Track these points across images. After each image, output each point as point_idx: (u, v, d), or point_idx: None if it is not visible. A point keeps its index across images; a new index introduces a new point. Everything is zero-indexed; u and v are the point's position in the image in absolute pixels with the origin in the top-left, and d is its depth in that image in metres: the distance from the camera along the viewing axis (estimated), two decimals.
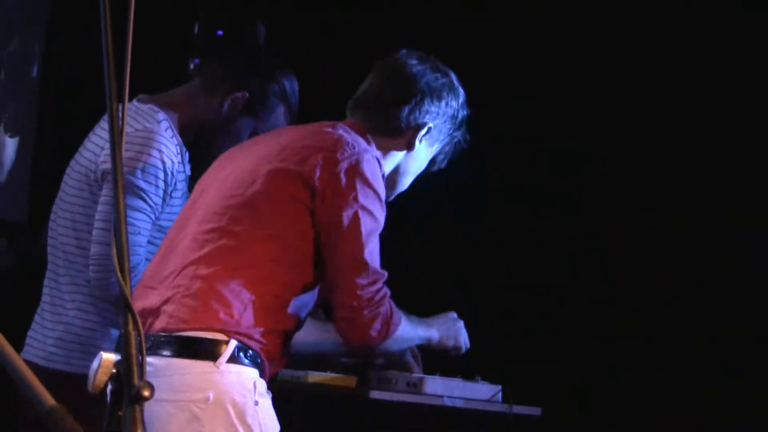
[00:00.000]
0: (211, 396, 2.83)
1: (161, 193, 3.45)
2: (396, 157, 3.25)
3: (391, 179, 3.24)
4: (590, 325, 4.72)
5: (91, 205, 3.51)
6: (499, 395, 3.52)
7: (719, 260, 4.64)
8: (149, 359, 2.82)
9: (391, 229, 3.12)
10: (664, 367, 4.61)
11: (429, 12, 5.11)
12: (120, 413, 1.75)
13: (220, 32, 4.78)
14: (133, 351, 1.78)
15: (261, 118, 3.66)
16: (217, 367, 2.84)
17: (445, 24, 5.06)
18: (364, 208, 2.99)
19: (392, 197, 3.27)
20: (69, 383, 3.39)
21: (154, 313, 2.93)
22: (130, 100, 3.58)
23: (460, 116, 3.29)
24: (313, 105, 3.76)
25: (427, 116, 3.23)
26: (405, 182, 3.32)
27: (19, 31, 5.91)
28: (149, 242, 3.45)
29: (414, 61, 3.27)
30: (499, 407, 3.52)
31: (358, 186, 2.99)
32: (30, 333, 3.63)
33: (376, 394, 3.44)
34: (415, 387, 3.42)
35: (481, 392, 3.54)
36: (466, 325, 3.44)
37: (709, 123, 4.71)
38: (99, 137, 3.57)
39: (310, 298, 3.04)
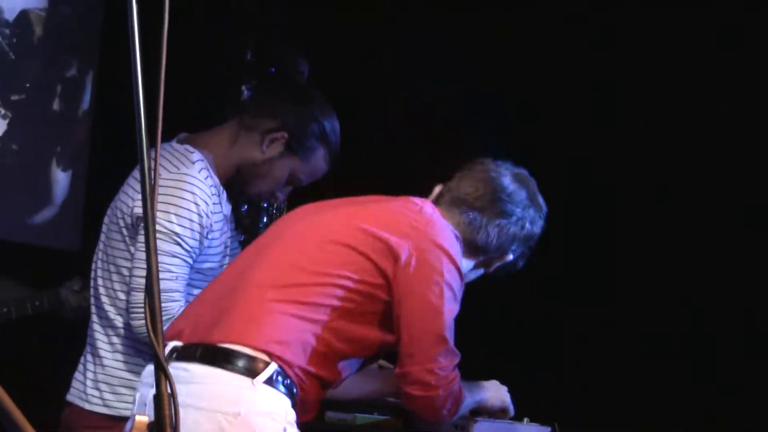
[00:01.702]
0: (242, 411, 2.80)
1: (197, 236, 3.41)
2: (468, 266, 3.23)
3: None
4: (644, 366, 4.67)
5: (126, 249, 3.49)
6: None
7: None
8: (187, 364, 2.82)
9: None
10: (718, 407, 4.55)
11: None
12: None
13: (271, 69, 4.76)
14: (166, 413, 1.77)
15: (301, 159, 3.61)
16: (253, 385, 2.82)
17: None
18: (448, 285, 2.99)
19: None
20: (106, 425, 3.43)
21: (203, 323, 2.91)
22: (171, 138, 3.56)
23: (535, 236, 3.31)
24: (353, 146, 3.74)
25: (511, 251, 3.26)
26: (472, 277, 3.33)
27: (72, 61, 5.93)
28: (189, 284, 3.42)
29: (507, 180, 3.26)
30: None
31: (445, 262, 2.99)
32: (75, 376, 3.64)
33: None
34: (463, 429, 3.37)
35: None
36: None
37: None
38: (135, 179, 3.55)
39: (356, 363, 3.03)
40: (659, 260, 4.81)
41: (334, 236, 3.01)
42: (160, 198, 3.32)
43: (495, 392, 3.40)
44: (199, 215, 3.41)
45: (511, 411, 3.43)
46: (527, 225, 3.25)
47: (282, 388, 2.85)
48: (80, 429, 3.51)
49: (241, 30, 5.20)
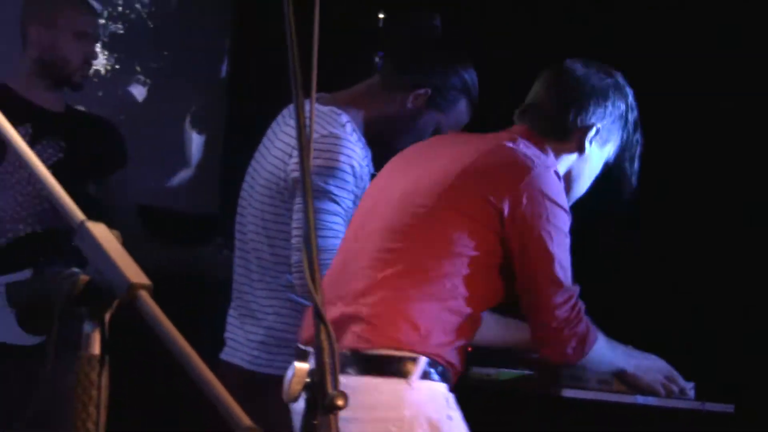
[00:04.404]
0: (407, 413, 2.78)
1: (352, 197, 3.38)
2: (567, 161, 3.15)
3: (566, 184, 3.14)
4: None
5: (283, 212, 3.45)
6: (692, 392, 3.40)
7: None
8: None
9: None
10: None
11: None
12: (315, 422, 1.71)
13: (398, 19, 4.74)
14: (327, 360, 1.74)
15: (444, 113, 3.58)
16: (410, 385, 2.79)
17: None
18: (555, 226, 2.93)
19: (570, 203, 3.15)
20: (274, 385, 3.42)
21: (337, 329, 2.88)
22: (307, 98, 3.53)
23: (630, 117, 3.20)
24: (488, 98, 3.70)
25: (594, 117, 3.14)
26: (581, 187, 3.23)
27: (207, 28, 5.99)
28: None
29: (578, 66, 3.19)
30: (691, 404, 3.37)
31: (547, 205, 2.93)
32: (229, 335, 3.61)
33: (568, 392, 3.36)
34: (607, 384, 3.33)
35: None
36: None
37: None
38: (284, 142, 3.51)
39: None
40: None
41: (434, 206, 2.94)
42: (315, 160, 3.28)
43: (647, 367, 3.29)
44: (354, 176, 3.38)
45: (676, 389, 3.32)
46: (595, 82, 3.15)
47: (437, 376, 2.83)
48: (242, 388, 3.50)
49: None
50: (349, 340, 2.83)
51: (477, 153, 3.02)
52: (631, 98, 3.21)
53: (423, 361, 2.80)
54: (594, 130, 3.14)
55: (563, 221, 2.97)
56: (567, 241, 2.97)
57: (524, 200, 2.91)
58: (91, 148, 4.14)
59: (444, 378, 2.84)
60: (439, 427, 2.79)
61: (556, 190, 2.97)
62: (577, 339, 2.96)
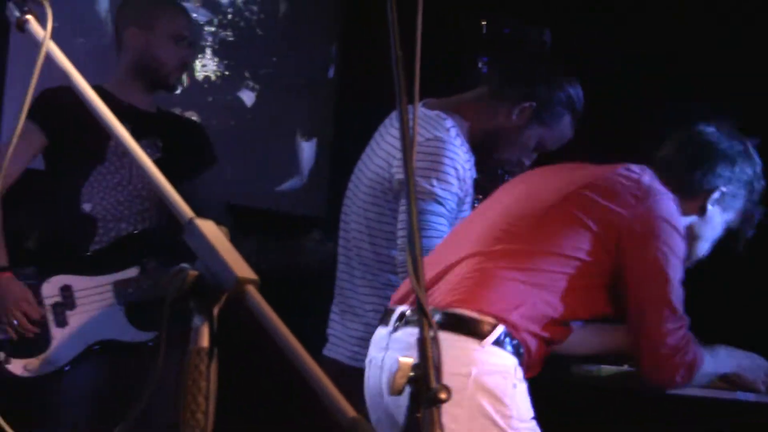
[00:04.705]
0: (473, 371, 2.84)
1: (456, 199, 3.44)
2: (689, 220, 3.18)
3: (687, 243, 3.14)
4: None
5: (386, 213, 3.53)
6: None
7: None
8: (415, 330, 2.85)
9: None
10: None
11: None
12: (418, 415, 1.75)
13: (506, 30, 4.74)
14: (430, 355, 1.79)
15: (548, 127, 3.61)
16: (482, 346, 2.85)
17: None
18: (671, 249, 2.97)
19: (690, 265, 3.20)
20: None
21: (428, 288, 2.94)
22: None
23: (756, 186, 3.24)
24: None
25: (720, 180, 3.19)
26: (701, 248, 3.27)
27: (314, 34, 6.06)
28: None
29: (710, 129, 3.24)
30: None
31: (666, 228, 2.98)
32: (330, 331, 3.70)
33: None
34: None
35: None
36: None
37: None
38: (389, 144, 3.58)
39: (580, 323, 3.05)
40: None
41: (555, 204, 3.01)
42: (419, 163, 3.37)
43: (750, 366, 3.33)
44: (458, 179, 3.45)
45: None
46: (725, 147, 3.20)
47: (509, 347, 2.88)
48: (341, 382, 3.54)
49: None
50: (439, 298, 2.92)
51: (607, 170, 3.08)
52: (759, 167, 3.25)
53: (500, 329, 2.86)
54: (718, 192, 3.19)
55: (679, 247, 3.01)
56: (681, 267, 3.01)
57: (644, 220, 2.96)
58: (183, 148, 4.20)
59: (516, 352, 2.88)
60: (503, 391, 2.84)
61: (676, 216, 3.02)
62: (686, 367, 3.00)
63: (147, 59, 4.12)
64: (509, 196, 3.14)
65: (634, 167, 3.09)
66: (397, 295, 3.09)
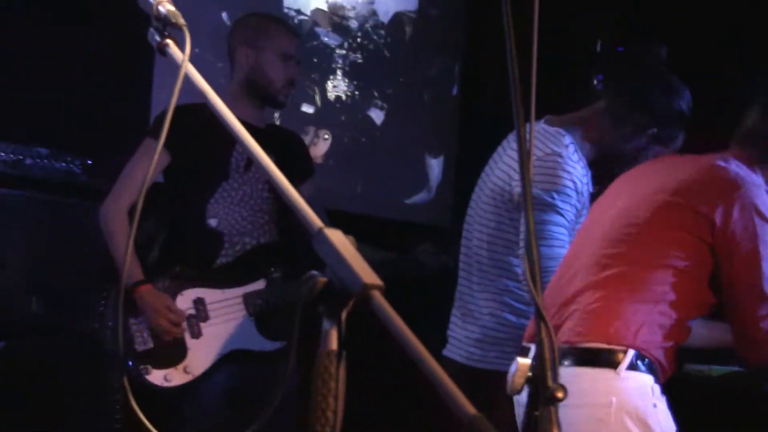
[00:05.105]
0: (614, 400, 2.90)
1: (574, 210, 3.54)
2: None
3: None
4: None
5: (505, 222, 3.66)
6: None
7: None
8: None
9: None
10: None
11: None
12: (536, 413, 1.80)
13: (620, 48, 4.76)
14: (548, 356, 1.82)
15: (666, 146, 3.65)
16: (618, 374, 2.91)
17: None
18: (764, 241, 2.99)
19: None
20: (487, 379, 3.58)
21: (555, 328, 3.01)
22: (538, 120, 3.65)
23: None
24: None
25: None
26: None
27: (439, 55, 6.14)
28: None
29: None
30: None
31: (756, 221, 3.00)
32: (450, 333, 3.84)
33: None
34: None
35: None
36: None
37: None
38: (510, 158, 3.69)
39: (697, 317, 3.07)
40: None
41: (649, 219, 3.05)
42: (540, 176, 3.47)
43: None
44: (576, 192, 3.55)
45: None
46: None
47: (643, 368, 2.94)
48: (459, 381, 3.63)
49: (593, 18, 5.24)
50: (566, 334, 2.98)
51: (691, 170, 3.11)
52: None
53: (631, 353, 2.92)
54: None
55: None
56: None
57: (735, 213, 2.99)
58: (289, 159, 4.26)
59: (650, 370, 2.94)
60: (645, 413, 2.90)
61: (764, 204, 3.03)
62: None
63: (257, 77, 4.21)
64: (605, 216, 3.17)
65: (719, 161, 3.10)
66: (528, 332, 3.16)
